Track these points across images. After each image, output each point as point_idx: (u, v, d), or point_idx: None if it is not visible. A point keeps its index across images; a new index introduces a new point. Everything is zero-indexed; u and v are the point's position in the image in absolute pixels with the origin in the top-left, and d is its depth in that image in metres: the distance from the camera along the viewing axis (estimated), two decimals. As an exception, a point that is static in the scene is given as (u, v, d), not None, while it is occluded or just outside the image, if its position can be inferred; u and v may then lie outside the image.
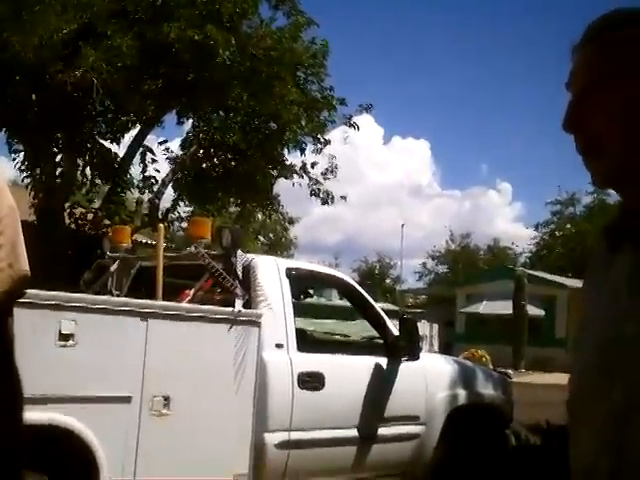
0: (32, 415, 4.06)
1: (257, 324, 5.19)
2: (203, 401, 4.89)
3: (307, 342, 5.84)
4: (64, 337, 4.32)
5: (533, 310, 30.28)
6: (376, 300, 6.43)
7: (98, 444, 4.38)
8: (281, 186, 16.07)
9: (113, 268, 6.67)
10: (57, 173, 13.66)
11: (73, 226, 13.82)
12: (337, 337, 7.26)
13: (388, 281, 56.94)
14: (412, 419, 6.24)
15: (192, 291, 5.51)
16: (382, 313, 6.36)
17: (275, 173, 15.06)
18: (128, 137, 14.24)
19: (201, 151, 14.74)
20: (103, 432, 4.40)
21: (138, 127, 14.19)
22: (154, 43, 11.64)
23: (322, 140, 14.80)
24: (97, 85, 11.30)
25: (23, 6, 10.78)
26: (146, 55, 11.70)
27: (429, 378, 6.36)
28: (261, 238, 32.96)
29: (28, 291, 4.22)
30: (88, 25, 11.25)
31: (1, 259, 1.35)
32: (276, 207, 16.69)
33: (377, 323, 6.28)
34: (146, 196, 14.82)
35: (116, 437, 4.49)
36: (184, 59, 11.87)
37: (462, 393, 6.64)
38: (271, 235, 34.28)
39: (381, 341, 6.23)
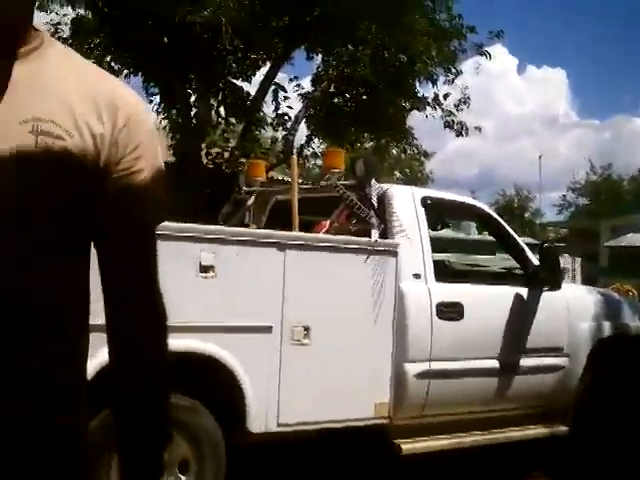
0: (178, 343, 4.23)
1: (394, 254, 5.15)
2: (342, 331, 4.91)
3: (445, 272, 5.76)
4: (204, 269, 4.42)
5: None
6: (516, 234, 6.25)
7: (243, 372, 4.49)
8: (414, 119, 15.83)
9: (249, 202, 6.77)
10: (192, 114, 13.91)
11: (211, 165, 14.09)
12: (476, 268, 7.12)
13: (527, 215, 55.60)
14: (554, 350, 6.08)
15: (328, 222, 5.51)
16: (522, 243, 6.19)
17: (407, 106, 14.82)
18: (259, 75, 14.31)
19: (332, 86, 14.65)
20: (247, 361, 4.51)
21: (268, 65, 14.23)
22: (280, -21, 11.56)
23: (454, 70, 14.42)
24: (225, 24, 11.35)
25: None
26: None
27: (572, 308, 6.16)
28: (397, 173, 32.74)
29: (170, 224, 4.36)
30: (215, -36, 11.27)
31: (143, 182, 1.34)
32: (410, 140, 16.46)
33: (517, 253, 6.12)
34: (280, 133, 14.91)
35: (259, 366, 4.58)
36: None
37: (607, 324, 6.41)
38: (407, 170, 33.99)
39: (521, 272, 6.07)
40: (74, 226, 1.28)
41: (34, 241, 1.23)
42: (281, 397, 4.62)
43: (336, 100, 14.85)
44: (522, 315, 5.81)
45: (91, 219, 1.31)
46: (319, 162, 15.56)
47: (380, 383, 5.07)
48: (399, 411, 5.17)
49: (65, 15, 14.31)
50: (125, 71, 14.50)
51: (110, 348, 1.40)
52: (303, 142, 15.17)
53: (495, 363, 5.68)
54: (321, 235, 5.25)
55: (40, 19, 14.05)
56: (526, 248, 6.13)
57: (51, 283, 1.27)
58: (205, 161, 13.97)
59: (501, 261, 6.89)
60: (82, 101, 1.29)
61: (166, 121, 14.10)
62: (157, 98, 14.27)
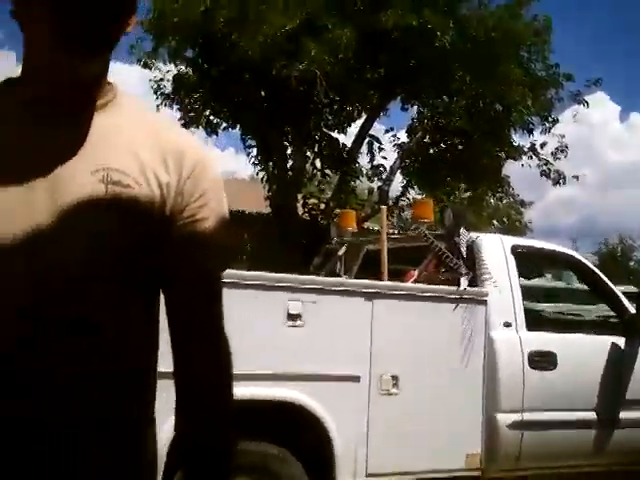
0: (266, 392, 4.29)
1: (483, 302, 5.10)
2: (431, 380, 4.87)
3: (537, 321, 5.65)
4: (292, 317, 4.47)
5: None
6: (618, 282, 6.08)
7: (331, 421, 4.49)
8: (511, 168, 15.71)
9: (340, 252, 6.82)
10: (288, 166, 14.18)
11: (306, 216, 14.27)
12: (569, 317, 6.95)
13: (632, 263, 53.87)
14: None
15: (417, 271, 5.51)
16: (618, 291, 6.03)
17: (503, 155, 14.74)
18: (354, 127, 14.50)
19: (427, 136, 14.71)
20: (335, 409, 4.51)
21: (364, 116, 14.40)
22: (372, 32, 11.74)
23: (550, 119, 14.29)
24: (320, 77, 11.59)
25: (249, 7, 11.27)
26: (365, 45, 11.83)
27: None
28: (495, 222, 32.35)
29: (257, 273, 4.44)
30: (309, 20, 11.54)
31: (207, 229, 1.39)
32: (506, 189, 16.33)
33: (612, 301, 5.96)
34: (375, 184, 15.01)
35: (347, 415, 4.58)
36: (403, 46, 11.89)
37: None
38: (504, 219, 33.54)
39: (617, 320, 5.90)
40: (139, 271, 1.34)
41: (101, 283, 1.29)
42: (369, 447, 4.60)
43: (431, 150, 14.89)
44: (620, 364, 5.63)
45: (157, 265, 1.36)
46: (414, 211, 15.51)
47: (471, 433, 4.99)
48: (492, 463, 5.06)
49: (168, 72, 14.90)
50: (224, 124, 14.94)
51: (176, 393, 1.43)
52: (399, 193, 15.22)
53: (592, 415, 5.51)
54: (409, 284, 5.25)
55: (144, 76, 14.67)
56: (622, 296, 5.96)
57: (116, 320, 1.33)
58: (301, 212, 14.17)
59: (599, 309, 6.71)
60: (150, 151, 1.35)
61: (263, 173, 14.39)
62: (254, 150, 14.62)
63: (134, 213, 1.30)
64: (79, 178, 1.28)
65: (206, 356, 1.43)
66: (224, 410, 1.44)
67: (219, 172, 1.48)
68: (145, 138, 1.37)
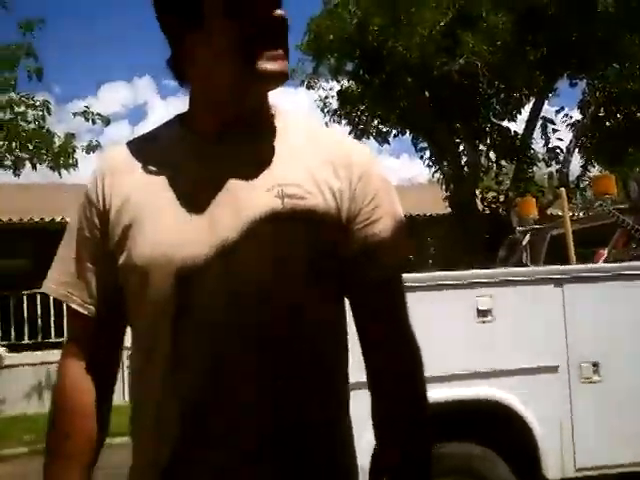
0: (462, 392, 4.22)
1: (685, 275, 4.77)
2: (635, 364, 4.61)
3: None
4: (482, 313, 4.38)
5: None
6: None
7: (532, 415, 4.34)
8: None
9: (524, 242, 6.65)
10: (462, 162, 14.01)
11: (487, 211, 14.04)
12: None
13: None
14: None
15: (606, 250, 5.27)
16: None
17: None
18: (524, 113, 14.14)
19: (601, 110, 14.09)
20: (535, 403, 4.36)
21: (532, 100, 14.01)
22: (528, 12, 11.41)
23: None
24: (482, 68, 11.39)
25: (400, 11, 11.26)
26: (523, 27, 11.52)
27: None
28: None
29: (442, 273, 4.39)
30: (462, 11, 11.39)
31: (383, 229, 1.39)
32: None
33: None
34: (553, 168, 14.55)
35: (549, 407, 4.40)
36: (563, 20, 11.46)
37: None
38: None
39: None
40: (325, 279, 1.36)
41: (290, 294, 1.33)
42: (576, 439, 4.40)
43: (608, 123, 14.25)
44: None
45: (338, 271, 1.38)
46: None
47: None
48: None
49: (331, 89, 15.18)
50: (393, 131, 15.01)
51: (371, 401, 1.43)
52: (579, 173, 14.67)
53: None
54: (599, 265, 5.02)
55: (310, 96, 15.05)
56: None
57: (308, 330, 1.36)
58: (481, 207, 13.95)
59: None
60: (321, 163, 1.39)
61: (438, 173, 14.31)
62: (427, 152, 14.57)
63: (312, 222, 1.34)
64: (256, 196, 1.33)
65: (397, 360, 1.42)
66: (421, 415, 1.42)
67: (386, 173, 1.48)
68: (315, 152, 1.41)
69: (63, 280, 1.44)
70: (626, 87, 13.07)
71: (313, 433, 1.36)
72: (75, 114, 11.96)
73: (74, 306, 1.43)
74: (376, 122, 14.96)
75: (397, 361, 1.42)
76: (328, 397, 1.39)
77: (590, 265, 5.03)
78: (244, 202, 1.33)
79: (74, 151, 11.75)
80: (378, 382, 1.42)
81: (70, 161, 11.68)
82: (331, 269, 1.36)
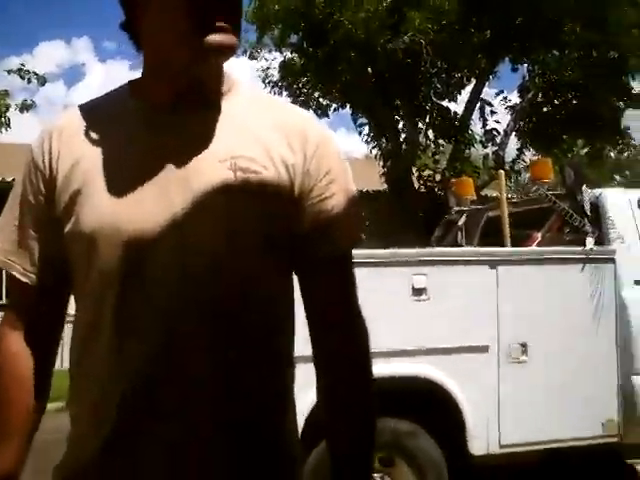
0: (395, 368, 4.27)
1: (612, 260, 4.90)
2: (561, 346, 4.73)
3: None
4: (417, 291, 4.44)
5: None
6: None
7: (461, 393, 4.44)
8: (630, 119, 15.03)
9: (460, 222, 6.72)
10: (401, 139, 14.08)
11: (423, 189, 14.15)
12: None
13: None
14: None
15: (540, 234, 5.37)
16: None
17: (621, 105, 14.15)
18: (464, 94, 14.26)
19: (540, 95, 14.29)
20: (464, 381, 4.46)
21: (473, 82, 14.13)
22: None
23: (672, 61, 13.59)
24: (426, 47, 11.43)
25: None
26: (468, 8, 11.60)
27: None
28: (617, 177, 31.24)
29: (380, 251, 4.43)
30: (409, -11, 11.42)
31: (336, 205, 1.39)
32: (627, 141, 15.65)
33: None
34: (490, 150, 14.72)
35: (477, 386, 4.51)
36: (508, 4, 11.57)
37: None
38: (627, 172, 32.31)
39: None
40: (276, 253, 1.35)
41: (241, 268, 1.31)
42: (501, 417, 4.51)
43: (545, 108, 14.46)
44: None
45: (289, 246, 1.37)
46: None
47: (607, 399, 4.79)
48: (631, 429, 4.86)
49: (274, 60, 15.07)
50: (334, 105, 14.99)
51: (317, 375, 1.44)
52: (515, 156, 14.88)
53: None
54: (533, 248, 5.12)
55: (252, 66, 14.93)
56: None
57: (259, 302, 1.35)
58: (417, 185, 14.05)
59: None
60: (274, 135, 1.38)
61: (376, 149, 14.34)
62: (366, 128, 14.59)
63: (264, 196, 1.32)
64: (209, 168, 1.32)
65: (352, 342, 1.42)
66: (373, 401, 1.43)
67: (341, 151, 1.48)
68: (267, 123, 1.39)
69: (4, 248, 1.41)
70: (565, 75, 13.26)
71: (263, 406, 1.36)
72: (10, 71, 11.59)
73: (15, 273, 1.40)
74: (317, 95, 14.93)
75: (352, 344, 1.42)
76: (279, 369, 1.39)
77: (524, 248, 5.12)
78: (196, 173, 1.31)
79: (7, 109, 11.43)
80: (332, 365, 1.42)
81: (2, 119, 11.36)
82: (283, 244, 1.36)
